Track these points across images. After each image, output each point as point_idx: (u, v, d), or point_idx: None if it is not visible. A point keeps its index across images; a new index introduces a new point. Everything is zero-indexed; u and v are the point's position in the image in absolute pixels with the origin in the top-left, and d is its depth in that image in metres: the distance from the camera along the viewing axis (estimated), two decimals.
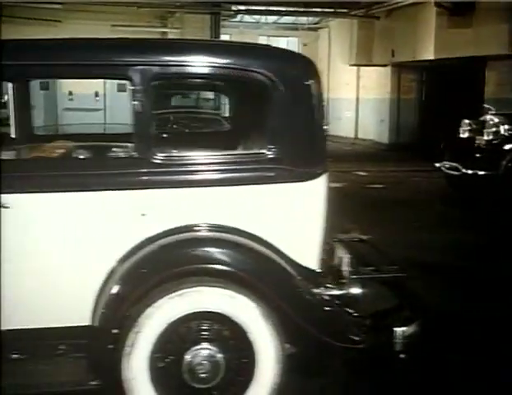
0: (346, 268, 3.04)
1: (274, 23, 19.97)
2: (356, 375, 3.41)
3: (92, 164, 2.99)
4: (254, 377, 2.93)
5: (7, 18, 17.71)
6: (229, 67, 2.89)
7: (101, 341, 2.82)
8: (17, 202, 2.80)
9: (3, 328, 2.89)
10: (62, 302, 2.90)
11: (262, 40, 19.26)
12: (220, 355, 2.89)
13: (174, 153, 2.95)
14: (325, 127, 3.07)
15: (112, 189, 2.85)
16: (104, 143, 3.66)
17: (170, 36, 18.43)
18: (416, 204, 9.54)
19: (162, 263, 2.87)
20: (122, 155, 3.06)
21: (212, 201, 2.94)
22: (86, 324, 2.90)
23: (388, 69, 17.55)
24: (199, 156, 3.00)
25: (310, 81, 2.99)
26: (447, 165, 10.12)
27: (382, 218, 8.00)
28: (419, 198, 10.12)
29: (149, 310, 2.80)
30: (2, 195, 2.77)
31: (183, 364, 2.86)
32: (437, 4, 13.57)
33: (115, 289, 2.82)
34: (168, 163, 2.88)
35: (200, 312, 2.86)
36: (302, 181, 2.98)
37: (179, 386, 2.88)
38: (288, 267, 2.95)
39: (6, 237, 2.83)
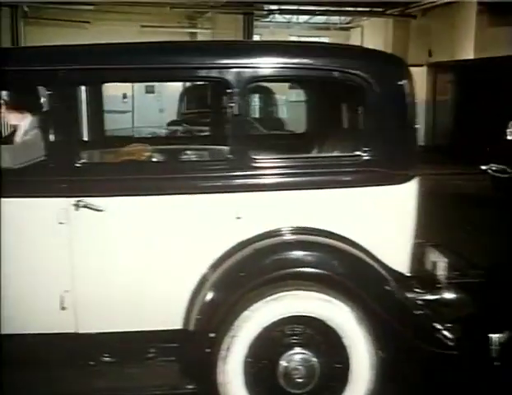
0: (441, 273, 3.05)
1: (305, 23, 19.96)
2: (447, 382, 3.40)
3: (187, 168, 3.03)
4: (348, 382, 2.95)
5: (33, 20, 17.93)
6: (325, 69, 2.92)
7: (197, 345, 2.86)
8: (111, 205, 2.86)
9: (95, 331, 2.96)
10: (153, 305, 2.95)
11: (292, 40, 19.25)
12: (315, 360, 2.91)
13: (271, 155, 2.98)
14: (417, 127, 3.08)
15: (208, 192, 2.90)
16: (184, 146, 3.71)
17: (200, 37, 18.52)
18: (465, 207, 9.47)
19: (258, 267, 2.90)
20: (218, 157, 3.10)
21: (307, 204, 2.97)
22: (178, 328, 2.95)
23: (424, 69, 17.43)
24: (295, 159, 3.03)
25: (404, 81, 3.01)
26: (494, 168, 10.01)
27: (433, 222, 7.93)
28: (466, 201, 10.03)
29: (245, 314, 2.84)
30: (96, 198, 2.83)
31: (278, 368, 2.89)
32: (479, 2, 13.47)
33: (211, 291, 2.86)
34: (265, 166, 2.92)
35: (295, 316, 2.89)
36: (396, 184, 3.01)
37: (273, 390, 2.91)
38: (382, 271, 2.97)
39: (99, 240, 2.90)
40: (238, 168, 2.88)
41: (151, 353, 3.00)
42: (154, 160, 3.41)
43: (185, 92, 11.53)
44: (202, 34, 18.58)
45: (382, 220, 3.03)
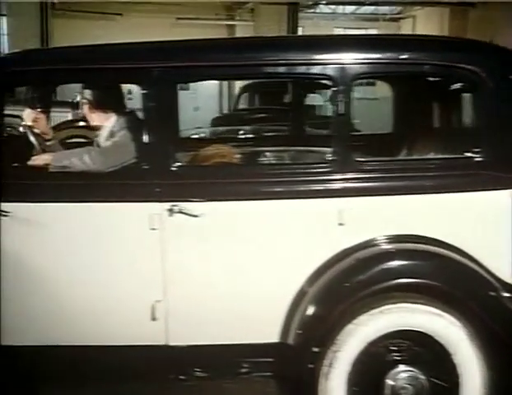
0: None
1: (352, 14, 19.97)
2: None
3: (287, 171, 3.06)
4: None
5: (61, 12, 18.22)
6: (435, 64, 2.92)
7: (298, 360, 2.89)
8: (207, 210, 2.90)
9: (186, 343, 3.01)
10: (248, 317, 2.98)
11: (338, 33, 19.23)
12: (423, 378, 2.91)
13: (376, 157, 3.00)
14: None
15: (309, 197, 2.93)
16: (269, 148, 3.76)
17: (240, 30, 18.60)
18: None
19: (363, 278, 2.90)
20: (322, 159, 3.13)
21: (413, 209, 2.97)
22: (274, 341, 2.98)
23: None
24: (400, 161, 3.04)
25: None
26: None
27: None
28: None
29: (349, 327, 2.85)
30: (191, 203, 2.88)
31: (384, 386, 2.90)
32: None
33: (313, 304, 2.88)
34: (369, 168, 2.94)
35: (401, 330, 2.90)
36: (508, 188, 2.99)
37: None
38: (495, 283, 2.96)
39: (193, 248, 2.95)
40: (341, 171, 2.91)
41: (245, 368, 3.03)
42: (251, 162, 3.46)
43: (245, 89, 11.42)
44: (241, 27, 18.66)
45: (494, 227, 3.01)
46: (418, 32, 19.56)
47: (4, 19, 17.80)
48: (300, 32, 17.54)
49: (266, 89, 10.11)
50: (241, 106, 11.52)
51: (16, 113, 3.45)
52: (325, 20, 19.81)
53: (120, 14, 18.69)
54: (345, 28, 19.77)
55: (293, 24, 15.97)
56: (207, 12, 18.49)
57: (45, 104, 3.74)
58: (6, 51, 17.42)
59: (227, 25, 19.49)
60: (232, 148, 3.65)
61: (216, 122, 10.35)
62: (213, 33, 17.81)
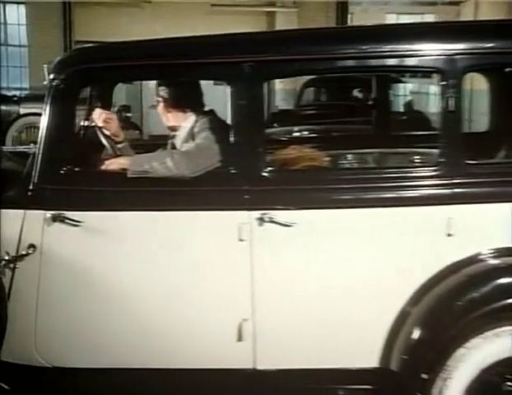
0: None
1: None
2: None
3: (387, 175, 3.04)
4: None
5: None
6: None
7: (404, 388, 2.87)
8: (300, 220, 2.91)
9: (275, 367, 3.01)
10: (344, 339, 2.98)
11: (391, 20, 19.10)
12: None
13: (487, 160, 2.98)
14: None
15: (414, 205, 2.92)
16: (356, 149, 3.75)
17: (281, 17, 18.56)
18: None
19: (475, 297, 2.87)
20: (427, 162, 3.12)
21: None
22: (374, 366, 2.97)
23: None
24: None
25: None
26: None
27: None
28: None
29: (460, 352, 2.82)
30: (284, 212, 2.89)
31: None
32: None
33: (420, 326, 2.87)
34: (481, 172, 2.93)
35: None
36: None
37: None
38: None
39: (286, 261, 2.96)
40: (451, 175, 2.89)
41: None
42: (345, 166, 3.46)
43: (310, 83, 11.23)
44: (283, 14, 18.59)
45: None
46: (480, 16, 19.32)
47: (22, 7, 18.04)
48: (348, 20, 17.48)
49: (337, 83, 9.96)
50: (305, 102, 11.24)
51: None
52: (376, 5, 19.66)
53: (149, 1, 18.78)
54: (398, 13, 19.60)
55: (342, 10, 15.87)
56: None
57: (110, 103, 3.78)
58: (24, 42, 17.71)
59: (266, 12, 19.43)
60: (316, 150, 3.65)
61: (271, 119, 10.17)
62: (251, 21, 17.83)
